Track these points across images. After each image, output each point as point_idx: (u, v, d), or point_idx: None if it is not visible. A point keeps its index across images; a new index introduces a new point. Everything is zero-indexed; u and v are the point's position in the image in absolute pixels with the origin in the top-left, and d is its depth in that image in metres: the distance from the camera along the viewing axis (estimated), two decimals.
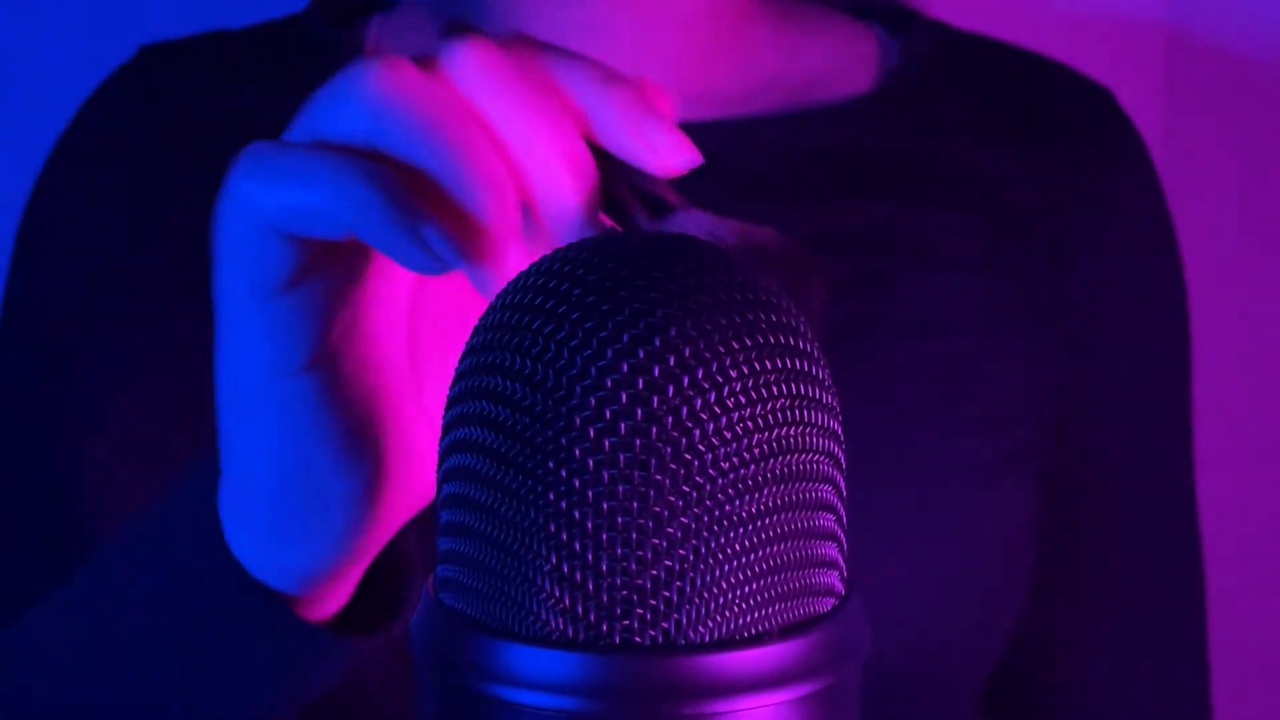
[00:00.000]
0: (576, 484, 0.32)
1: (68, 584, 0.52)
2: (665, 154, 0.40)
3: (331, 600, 0.46)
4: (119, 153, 0.67)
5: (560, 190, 0.39)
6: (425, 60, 0.40)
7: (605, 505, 0.32)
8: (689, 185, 0.67)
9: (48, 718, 0.51)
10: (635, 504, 0.32)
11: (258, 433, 0.43)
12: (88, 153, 0.68)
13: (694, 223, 0.39)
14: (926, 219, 0.65)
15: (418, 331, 0.45)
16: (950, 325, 0.63)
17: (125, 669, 0.49)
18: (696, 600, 0.32)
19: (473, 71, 0.39)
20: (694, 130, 0.66)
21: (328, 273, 0.41)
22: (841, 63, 0.70)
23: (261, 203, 0.39)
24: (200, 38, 0.72)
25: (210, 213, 0.41)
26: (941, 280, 0.64)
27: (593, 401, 0.32)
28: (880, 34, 0.72)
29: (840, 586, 0.35)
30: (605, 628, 0.32)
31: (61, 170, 0.69)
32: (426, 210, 0.37)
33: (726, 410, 0.32)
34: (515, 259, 0.38)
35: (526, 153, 0.39)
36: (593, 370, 0.32)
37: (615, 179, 0.40)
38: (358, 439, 0.43)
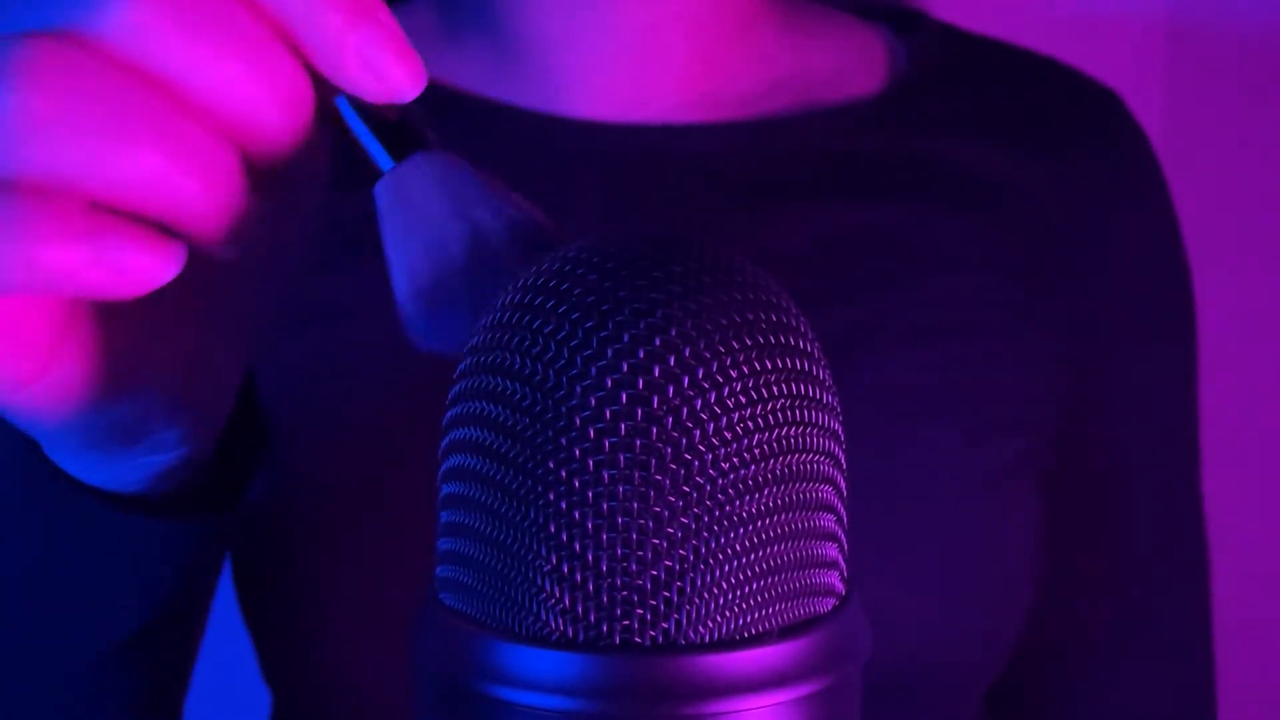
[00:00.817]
0: (576, 484, 0.32)
1: None
2: (381, 77, 0.36)
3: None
4: None
5: (269, 131, 0.35)
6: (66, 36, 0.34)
7: (605, 505, 0.32)
8: (701, 188, 0.67)
9: None
10: (635, 504, 0.32)
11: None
12: None
13: (432, 168, 0.37)
14: (933, 221, 0.65)
15: None
16: (957, 328, 0.63)
17: None
18: (696, 600, 0.32)
19: (128, 29, 0.34)
20: (702, 131, 0.67)
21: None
22: (849, 64, 0.70)
23: None
24: None
25: None
26: (948, 283, 0.64)
27: (593, 401, 0.32)
28: (888, 36, 0.72)
29: (840, 587, 0.35)
30: (605, 628, 0.32)
31: None
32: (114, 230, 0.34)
33: (727, 410, 0.32)
34: (252, 211, 0.36)
35: (223, 96, 0.35)
36: (593, 370, 0.32)
37: (357, 113, 0.37)
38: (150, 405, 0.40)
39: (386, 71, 0.36)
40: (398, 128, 0.37)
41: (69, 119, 0.33)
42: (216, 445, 0.46)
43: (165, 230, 0.35)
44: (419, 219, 0.38)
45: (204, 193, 0.34)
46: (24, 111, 0.32)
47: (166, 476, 0.44)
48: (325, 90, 0.37)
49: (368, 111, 0.37)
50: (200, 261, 0.37)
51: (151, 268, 0.34)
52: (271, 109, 0.35)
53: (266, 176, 0.36)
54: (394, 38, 0.36)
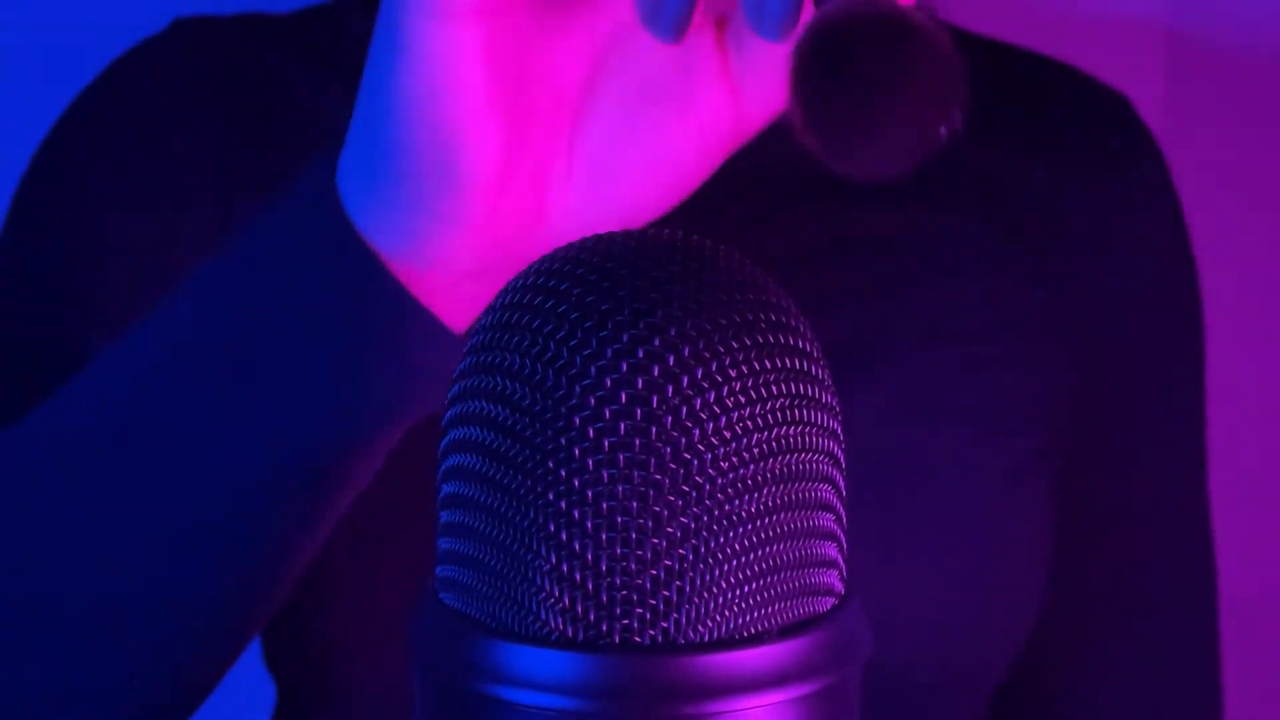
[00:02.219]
0: (576, 484, 0.32)
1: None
2: None
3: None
4: (143, 121, 0.66)
5: None
6: None
7: (605, 505, 0.32)
8: (708, 189, 0.67)
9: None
10: (635, 504, 0.32)
11: (400, 77, 0.43)
12: (105, 119, 0.67)
13: None
14: (942, 224, 0.65)
15: (596, 85, 0.45)
16: (966, 331, 0.63)
17: (240, 368, 0.47)
18: (696, 600, 0.32)
19: None
20: None
21: None
22: None
23: None
24: (235, 16, 0.71)
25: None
26: (957, 286, 0.63)
27: (592, 401, 0.32)
28: None
29: (840, 586, 0.35)
30: (605, 627, 0.32)
31: (73, 132, 0.66)
32: None
33: (726, 410, 0.32)
34: None
35: None
36: (592, 370, 0.32)
37: None
38: (495, 117, 0.43)
39: None
40: None
41: None
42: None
43: None
44: None
45: None
46: None
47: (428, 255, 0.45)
48: None
49: None
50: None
51: None
52: None
53: None
54: None
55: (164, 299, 0.50)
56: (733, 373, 0.32)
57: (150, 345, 0.49)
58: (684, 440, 0.32)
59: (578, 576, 0.32)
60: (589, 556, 0.32)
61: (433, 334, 0.46)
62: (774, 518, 0.33)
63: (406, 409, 0.47)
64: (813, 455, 0.34)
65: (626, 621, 0.32)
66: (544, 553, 0.32)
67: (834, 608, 0.35)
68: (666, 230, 0.36)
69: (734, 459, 0.32)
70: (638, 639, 0.32)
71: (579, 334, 0.32)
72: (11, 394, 0.61)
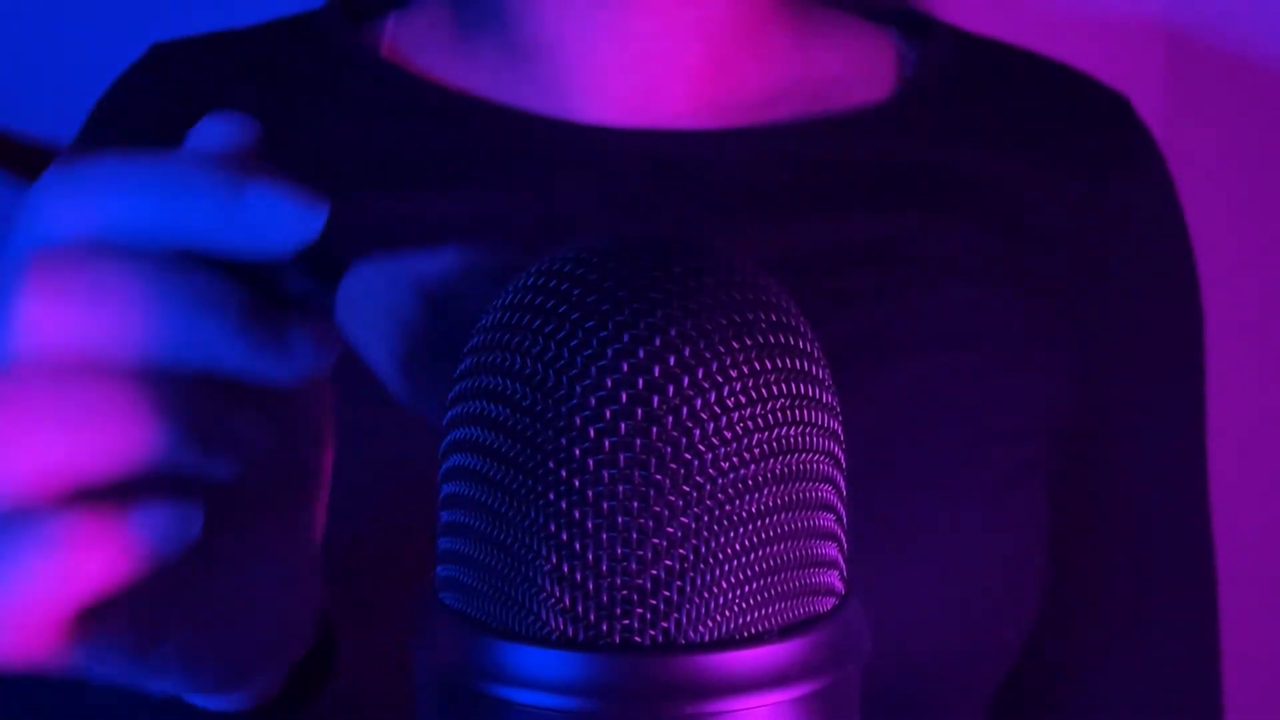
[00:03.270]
0: (576, 484, 0.32)
1: None
2: (265, 232, 0.35)
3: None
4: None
5: (212, 341, 0.35)
6: None
7: (605, 505, 0.32)
8: (710, 193, 0.67)
9: None
10: (635, 504, 0.32)
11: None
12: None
13: (371, 277, 0.37)
14: (942, 228, 0.65)
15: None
16: (965, 336, 0.63)
17: None
18: (696, 600, 0.32)
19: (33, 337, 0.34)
20: (711, 136, 0.67)
21: None
22: (860, 69, 0.70)
23: None
24: (212, 36, 0.71)
25: None
26: (956, 290, 0.64)
27: (593, 401, 0.32)
28: (898, 41, 0.72)
29: (840, 586, 0.35)
30: (605, 627, 0.32)
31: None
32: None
33: (726, 410, 0.32)
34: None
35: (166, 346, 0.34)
36: (593, 370, 0.32)
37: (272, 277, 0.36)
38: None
39: (283, 222, 0.34)
40: (320, 261, 0.37)
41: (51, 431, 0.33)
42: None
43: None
44: (374, 316, 0.38)
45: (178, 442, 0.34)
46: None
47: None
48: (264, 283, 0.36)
49: (287, 278, 0.36)
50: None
51: (176, 531, 0.34)
52: (216, 340, 0.34)
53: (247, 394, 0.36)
54: (274, 185, 0.34)
55: None
56: (733, 373, 0.32)
57: None
58: (684, 440, 0.32)
59: (578, 576, 0.32)
60: (589, 556, 0.32)
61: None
62: (774, 518, 0.33)
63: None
64: (813, 455, 0.34)
65: (627, 621, 0.32)
66: (544, 553, 0.32)
67: (834, 608, 0.35)
68: (667, 231, 0.36)
69: (735, 459, 0.32)
70: (638, 639, 0.32)
71: (579, 334, 0.32)
72: None
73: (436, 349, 0.37)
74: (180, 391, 0.35)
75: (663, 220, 0.63)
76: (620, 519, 0.32)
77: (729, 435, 0.32)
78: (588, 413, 0.32)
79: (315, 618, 0.44)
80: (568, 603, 0.32)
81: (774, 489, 0.33)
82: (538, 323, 0.33)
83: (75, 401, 0.33)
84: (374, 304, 0.37)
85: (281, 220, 0.34)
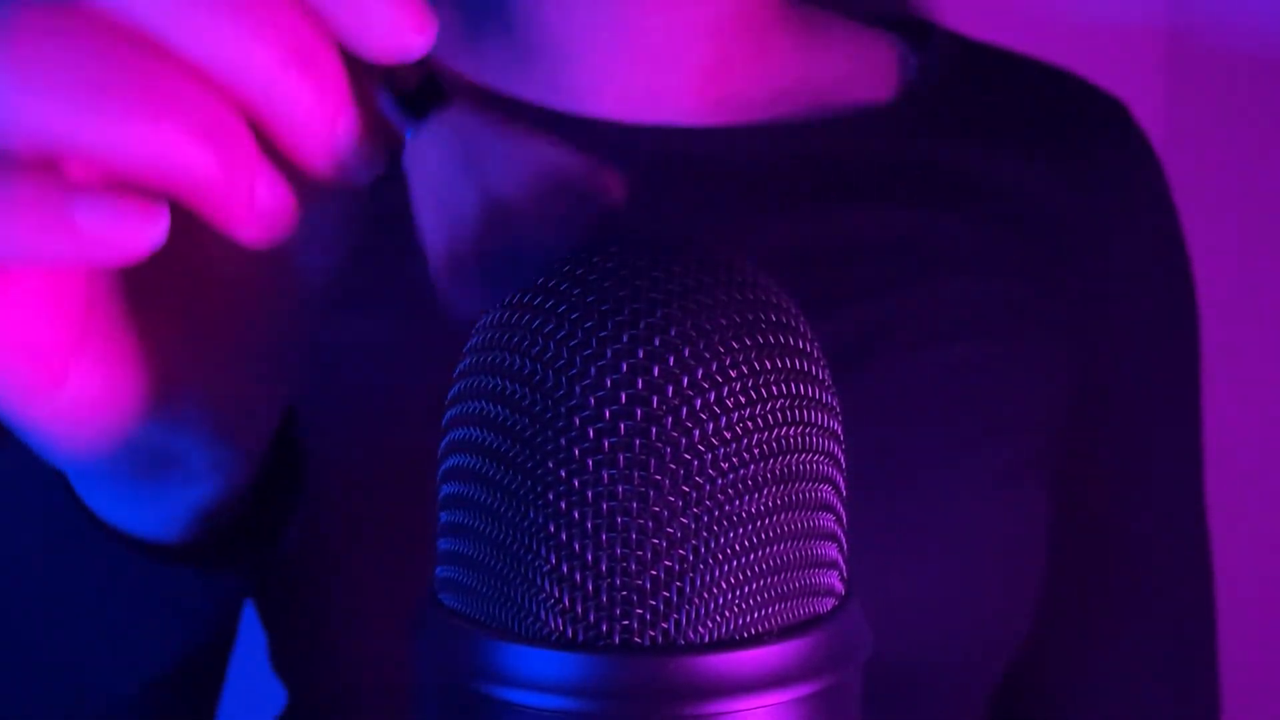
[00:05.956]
0: (576, 484, 0.32)
1: None
2: (381, 29, 0.33)
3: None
4: None
5: (293, 108, 0.33)
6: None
7: (605, 505, 0.32)
8: (712, 191, 0.67)
9: None
10: (635, 504, 0.32)
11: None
12: None
13: (448, 131, 0.35)
14: (941, 226, 0.65)
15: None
16: (964, 332, 0.63)
17: None
18: (696, 600, 0.32)
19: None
20: (714, 134, 0.67)
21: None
22: (861, 71, 0.70)
23: None
24: None
25: None
26: (956, 287, 0.64)
27: (592, 401, 0.32)
28: (899, 44, 0.72)
29: (840, 586, 0.35)
30: (605, 628, 0.32)
31: None
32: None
33: (726, 410, 0.32)
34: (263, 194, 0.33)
35: (239, 67, 0.32)
36: (592, 370, 0.32)
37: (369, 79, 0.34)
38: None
39: (386, 22, 0.33)
40: (417, 93, 0.35)
41: (58, 84, 0.31)
42: (252, 489, 0.44)
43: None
44: (435, 188, 0.37)
45: (220, 169, 0.32)
46: (10, 74, 0.31)
47: (199, 520, 0.42)
48: (355, 70, 0.34)
49: (386, 78, 0.35)
50: (231, 270, 0.36)
51: (129, 230, 0.31)
52: (295, 83, 0.32)
53: (295, 166, 0.34)
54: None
55: None
56: (733, 373, 0.32)
57: None
58: (684, 440, 0.32)
59: (578, 577, 0.32)
60: (589, 557, 0.32)
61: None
62: (774, 518, 0.33)
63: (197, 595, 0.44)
64: (813, 455, 0.34)
65: (626, 622, 0.32)
66: (544, 553, 0.32)
67: (834, 608, 0.35)
68: (668, 231, 0.36)
69: (734, 459, 0.32)
70: (638, 640, 0.32)
71: (579, 334, 0.32)
72: None
73: (472, 257, 0.36)
74: (225, 116, 0.32)
75: (664, 215, 0.63)
76: (620, 519, 0.32)
77: (729, 436, 0.32)
78: (587, 413, 0.32)
79: (286, 397, 0.42)
80: (567, 603, 0.32)
81: (774, 489, 0.33)
82: (537, 322, 0.33)
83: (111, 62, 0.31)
84: (440, 174, 0.36)
85: (394, 23, 0.33)
